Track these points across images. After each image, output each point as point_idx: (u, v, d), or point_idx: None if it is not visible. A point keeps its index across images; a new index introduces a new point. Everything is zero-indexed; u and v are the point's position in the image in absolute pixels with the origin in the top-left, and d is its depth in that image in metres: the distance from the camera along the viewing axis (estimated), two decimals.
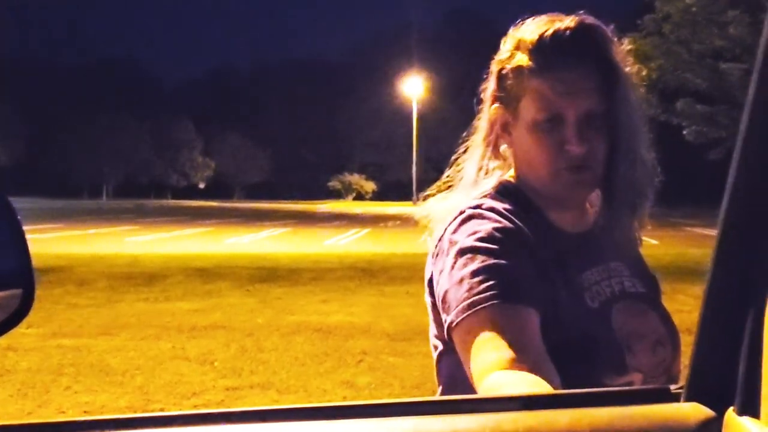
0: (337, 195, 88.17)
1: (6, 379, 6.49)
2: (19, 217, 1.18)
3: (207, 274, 13.63)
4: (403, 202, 66.27)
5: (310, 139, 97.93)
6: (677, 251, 15.51)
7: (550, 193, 1.48)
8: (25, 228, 1.16)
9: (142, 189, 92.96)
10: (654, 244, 17.34)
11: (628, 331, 1.43)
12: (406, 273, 13.33)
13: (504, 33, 1.54)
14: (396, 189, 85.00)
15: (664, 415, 0.82)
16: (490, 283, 1.31)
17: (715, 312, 0.84)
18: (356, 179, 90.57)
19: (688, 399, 0.85)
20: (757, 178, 0.79)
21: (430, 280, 1.47)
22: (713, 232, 0.85)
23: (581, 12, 1.46)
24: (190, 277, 13.32)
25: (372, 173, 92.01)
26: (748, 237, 0.81)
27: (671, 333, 1.49)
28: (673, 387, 0.88)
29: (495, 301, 1.29)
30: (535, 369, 1.20)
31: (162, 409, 5.68)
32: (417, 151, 67.45)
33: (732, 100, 24.04)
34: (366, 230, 29.55)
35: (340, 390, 6.29)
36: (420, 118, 70.21)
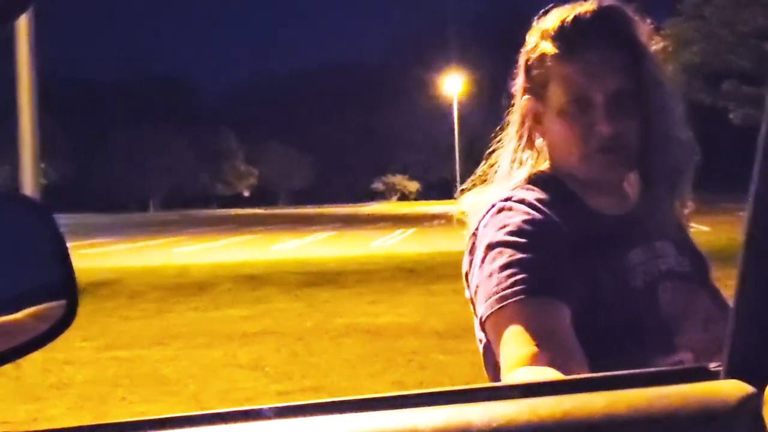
0: (380, 196, 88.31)
1: (63, 392, 6.59)
2: (61, 229, 1.19)
3: (255, 281, 13.73)
4: (447, 201, 66.17)
5: (351, 142, 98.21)
6: (729, 237, 15.23)
7: (585, 177, 1.47)
8: (75, 243, 1.18)
9: (188, 200, 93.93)
10: (705, 231, 17.10)
11: (676, 309, 1.42)
12: (452, 271, 13.11)
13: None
14: (439, 188, 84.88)
15: (703, 393, 0.81)
16: (518, 277, 1.32)
17: (753, 288, 0.82)
18: (399, 180, 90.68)
19: (728, 376, 0.83)
20: None
21: (467, 275, 1.48)
22: None
23: None
24: (238, 284, 13.43)
25: (415, 173, 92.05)
26: None
27: (723, 310, 1.47)
28: (711, 365, 0.87)
29: (522, 296, 1.30)
30: (560, 364, 1.20)
31: None
32: (459, 149, 67.32)
33: None
34: (411, 230, 29.56)
35: (392, 390, 6.26)
36: (461, 115, 70.05)
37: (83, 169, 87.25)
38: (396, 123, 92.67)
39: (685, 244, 1.57)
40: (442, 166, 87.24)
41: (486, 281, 1.36)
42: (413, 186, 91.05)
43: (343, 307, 10.53)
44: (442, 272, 13.58)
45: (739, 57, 24.93)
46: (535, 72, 1.49)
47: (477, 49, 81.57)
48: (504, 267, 1.34)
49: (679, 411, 0.78)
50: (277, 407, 0.82)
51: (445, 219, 37.61)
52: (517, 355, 1.25)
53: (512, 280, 1.32)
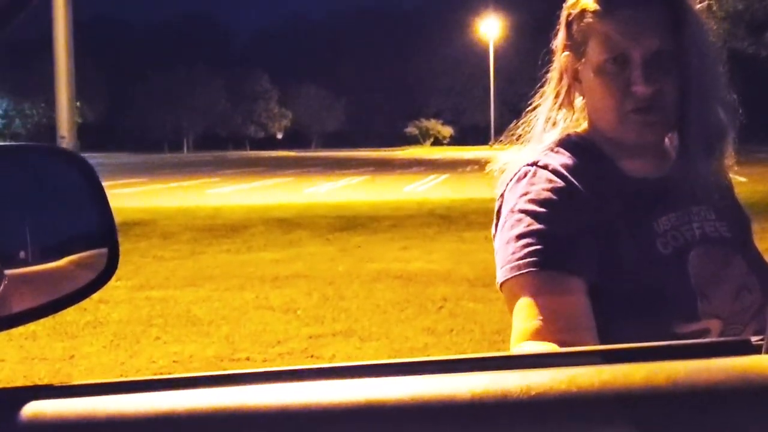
0: (414, 141, 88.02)
1: (99, 330, 6.72)
2: (100, 178, 1.21)
3: (287, 224, 13.80)
4: (480, 147, 65.83)
5: (386, 86, 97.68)
6: (766, 189, 15.08)
7: (620, 139, 1.45)
8: (109, 183, 1.19)
9: (221, 141, 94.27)
10: (742, 182, 16.78)
11: (705, 277, 1.40)
12: (484, 219, 13.12)
13: None
14: (473, 133, 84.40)
15: (744, 368, 0.80)
16: (533, 248, 1.32)
17: None
18: (433, 124, 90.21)
19: None
20: None
21: (494, 236, 1.49)
22: None
23: None
24: (270, 227, 13.52)
25: (449, 118, 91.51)
26: None
27: (762, 278, 1.45)
28: (754, 338, 0.86)
29: (534, 269, 1.31)
30: (565, 340, 1.22)
31: (248, 358, 5.82)
32: (494, 94, 66.77)
33: None
34: (444, 176, 29.51)
35: (422, 336, 6.34)
36: (496, 59, 69.31)
37: (118, 109, 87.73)
38: (431, 67, 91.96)
39: (725, 207, 1.54)
40: (476, 111, 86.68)
41: (504, 248, 1.38)
42: (447, 131, 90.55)
43: (374, 253, 10.58)
44: (474, 219, 13.57)
45: None
46: (575, 28, 1.47)
47: None
48: (520, 236, 1.35)
49: (720, 385, 0.77)
50: (325, 367, 0.83)
51: (479, 165, 37.23)
52: (523, 328, 1.28)
53: (527, 250, 1.33)
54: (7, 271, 1.03)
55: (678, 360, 0.80)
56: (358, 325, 6.73)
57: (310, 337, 6.36)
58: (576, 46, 1.47)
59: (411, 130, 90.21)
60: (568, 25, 1.49)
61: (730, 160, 1.49)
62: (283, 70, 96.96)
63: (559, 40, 1.53)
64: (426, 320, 6.85)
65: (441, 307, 7.29)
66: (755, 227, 1.60)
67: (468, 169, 34.43)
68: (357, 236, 12.26)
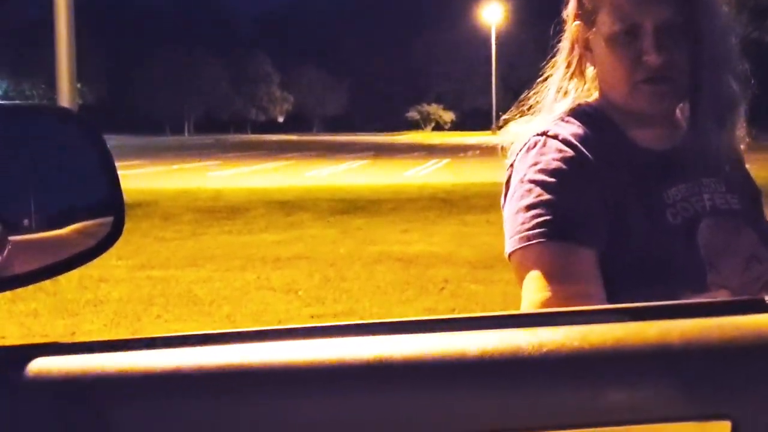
0: (415, 126, 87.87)
1: (100, 308, 6.73)
2: (108, 146, 1.19)
3: (289, 207, 13.80)
4: (482, 132, 65.72)
5: (387, 70, 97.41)
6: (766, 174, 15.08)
7: (631, 109, 1.44)
8: None
9: (222, 124, 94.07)
10: (748, 168, 16.71)
11: (715, 247, 1.40)
12: (485, 202, 13.24)
13: None
14: (474, 118, 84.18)
15: (757, 326, 0.80)
16: (543, 219, 1.32)
17: None
18: (434, 109, 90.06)
19: None
20: None
21: (503, 206, 1.48)
22: None
23: None
24: (272, 209, 13.51)
25: (450, 103, 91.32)
26: None
27: None
28: (767, 298, 0.86)
29: (543, 239, 1.31)
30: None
31: None
32: (496, 78, 66.59)
33: None
34: (445, 160, 29.49)
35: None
36: (498, 44, 69.10)
37: (119, 91, 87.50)
38: (433, 51, 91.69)
39: (736, 179, 1.53)
40: (477, 96, 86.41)
41: (513, 218, 1.37)
42: (448, 116, 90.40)
43: (375, 235, 10.58)
44: (475, 203, 13.57)
45: None
46: None
47: None
48: (530, 207, 1.34)
49: (733, 342, 0.77)
50: (334, 325, 0.82)
51: (480, 150, 37.43)
52: (533, 299, 1.28)
53: (537, 221, 1.32)
54: (11, 238, 1.02)
55: (691, 318, 0.80)
56: (359, 305, 6.74)
57: (312, 317, 6.37)
58: (587, 16, 1.46)
59: (412, 114, 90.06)
60: None
61: (741, 131, 1.48)
62: (285, 53, 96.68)
63: (570, 9, 1.51)
64: (427, 301, 6.86)
65: (442, 289, 7.30)
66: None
67: (469, 153, 34.44)
68: (358, 219, 12.26)
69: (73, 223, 1.14)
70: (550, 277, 1.28)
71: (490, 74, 66.67)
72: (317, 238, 10.49)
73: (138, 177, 20.74)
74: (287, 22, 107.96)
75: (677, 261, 1.37)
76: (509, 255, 1.37)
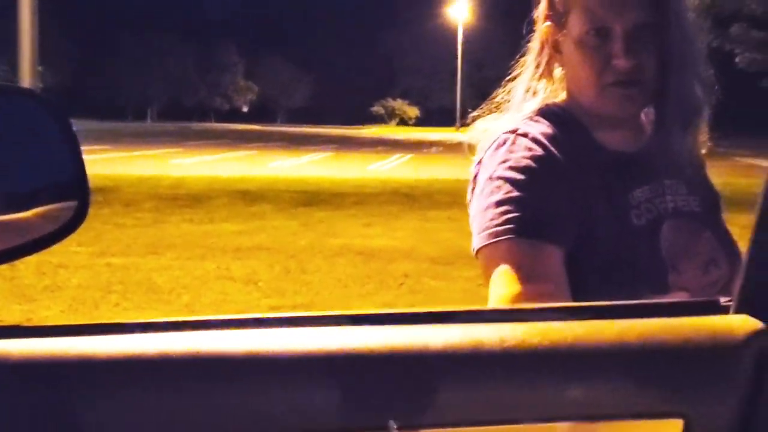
0: (380, 120, 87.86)
1: (58, 294, 6.65)
2: (74, 129, 1.18)
3: (251, 197, 13.74)
4: (446, 128, 65.86)
5: (353, 64, 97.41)
6: (725, 181, 15.19)
7: (600, 111, 1.46)
8: None
9: (186, 112, 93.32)
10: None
11: (677, 249, 1.42)
12: (448, 198, 13.29)
13: None
14: (439, 115, 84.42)
15: (713, 327, 0.82)
16: (511, 215, 1.33)
17: (767, 226, 0.83)
18: (399, 104, 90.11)
19: (738, 311, 0.84)
20: None
21: (469, 203, 1.49)
22: (763, 163, 0.84)
23: None
24: (234, 199, 13.45)
25: (415, 99, 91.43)
26: None
27: (729, 253, 1.47)
28: (722, 299, 0.88)
29: (512, 236, 1.31)
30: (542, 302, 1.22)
31: None
32: (461, 77, 66.77)
33: None
34: (409, 156, 29.52)
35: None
36: (465, 42, 69.29)
37: (82, 75, 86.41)
38: (399, 47, 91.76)
39: (697, 183, 1.56)
40: (443, 93, 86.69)
41: (481, 214, 1.37)
42: (413, 111, 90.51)
43: (337, 228, 10.58)
44: (438, 199, 13.61)
45: (750, 0, 24.59)
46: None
47: None
48: (499, 203, 1.35)
49: (689, 343, 0.79)
50: (294, 316, 0.83)
51: (443, 146, 37.53)
52: (502, 294, 1.28)
53: (505, 217, 1.33)
54: None
55: (649, 318, 0.82)
56: (319, 298, 6.74)
57: (271, 309, 6.36)
58: (557, 17, 1.47)
59: (377, 109, 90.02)
60: None
61: (703, 136, 1.51)
62: (251, 42, 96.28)
63: (540, 10, 1.52)
64: (387, 296, 6.88)
65: (402, 284, 7.32)
66: None
67: (433, 150, 34.52)
68: (320, 211, 12.24)
69: (36, 206, 1.13)
70: (518, 273, 1.29)
71: (456, 71, 66.83)
72: (279, 229, 10.46)
73: (99, 162, 20.53)
74: (254, 12, 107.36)
75: (641, 262, 1.39)
76: (477, 251, 1.37)
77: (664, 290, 1.38)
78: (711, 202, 1.57)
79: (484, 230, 1.35)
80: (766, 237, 0.83)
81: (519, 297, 1.26)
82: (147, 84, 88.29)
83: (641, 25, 1.39)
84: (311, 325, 0.81)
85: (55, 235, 1.14)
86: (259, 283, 7.23)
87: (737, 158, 28.06)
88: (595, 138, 1.48)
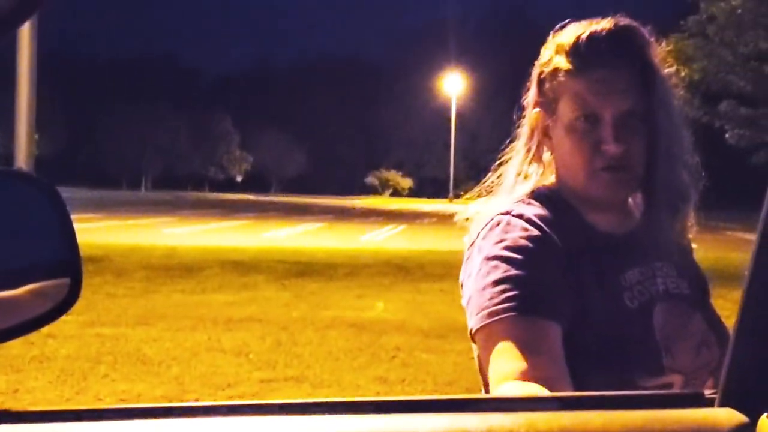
0: (373, 191, 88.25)
1: (46, 365, 6.59)
2: (67, 207, 1.20)
3: (243, 267, 13.72)
4: (439, 200, 66.16)
5: (347, 135, 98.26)
6: (717, 255, 15.31)
7: (589, 195, 1.48)
8: None
9: (180, 181, 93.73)
10: (693, 248, 17.01)
11: (669, 332, 1.43)
12: (441, 270, 13.32)
13: (545, 30, 1.55)
14: (432, 186, 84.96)
15: (697, 420, 0.82)
16: (510, 294, 1.33)
17: (751, 317, 0.83)
18: (393, 175, 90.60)
19: (722, 404, 0.85)
20: None
21: (462, 284, 1.49)
22: (754, 237, 0.85)
23: (620, 14, 1.48)
24: (226, 269, 13.42)
25: (409, 170, 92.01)
26: None
27: (719, 335, 1.48)
28: (707, 392, 0.88)
29: (513, 313, 1.31)
30: (547, 382, 1.22)
31: (197, 400, 5.74)
32: (454, 148, 67.33)
33: None
34: (402, 227, 29.57)
35: (374, 385, 6.31)
36: (458, 115, 70.05)
37: (77, 143, 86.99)
38: (393, 118, 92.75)
39: (686, 266, 1.57)
40: (436, 164, 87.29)
41: (479, 294, 1.37)
42: (406, 182, 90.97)
43: (329, 300, 10.54)
44: (430, 270, 13.60)
45: (739, 78, 24.97)
46: (547, 86, 1.50)
47: (478, 50, 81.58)
48: (497, 282, 1.35)
49: None
50: (278, 403, 0.83)
51: (437, 218, 37.64)
52: (506, 369, 1.26)
53: (504, 296, 1.33)
54: None
55: (634, 410, 0.83)
56: (311, 371, 6.69)
57: (262, 382, 6.30)
58: (547, 104, 1.50)
59: (371, 179, 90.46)
60: (540, 82, 1.52)
61: (691, 221, 1.53)
62: (246, 113, 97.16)
63: (530, 97, 1.56)
64: (378, 369, 6.82)
65: (394, 357, 7.27)
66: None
67: (426, 221, 34.60)
68: (313, 282, 12.21)
69: (28, 283, 1.14)
70: (521, 349, 1.28)
71: (449, 143, 67.41)
72: (271, 300, 10.42)
73: (91, 231, 20.51)
74: (250, 83, 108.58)
75: (635, 345, 1.39)
76: (475, 331, 1.36)
77: (660, 373, 1.39)
78: (700, 285, 1.59)
79: (482, 310, 1.35)
80: (750, 330, 0.84)
81: (522, 374, 1.24)
82: (141, 153, 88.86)
83: (630, 112, 1.42)
84: (303, 413, 0.81)
85: (49, 315, 1.15)
86: (250, 356, 7.17)
87: (728, 232, 28.19)
88: (586, 220, 1.50)
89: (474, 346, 1.49)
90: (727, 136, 25.20)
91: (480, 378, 1.53)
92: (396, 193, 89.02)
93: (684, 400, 0.87)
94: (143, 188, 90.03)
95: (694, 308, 1.51)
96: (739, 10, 23.63)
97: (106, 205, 38.74)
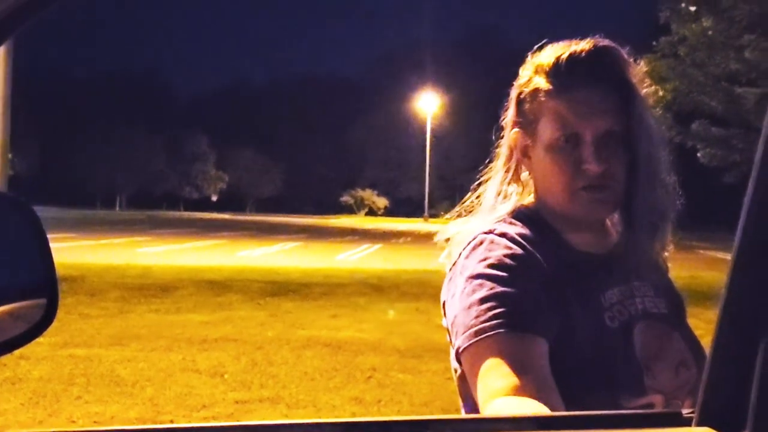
0: (349, 210, 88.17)
1: (18, 387, 6.52)
2: (44, 228, 1.20)
3: (218, 287, 13.65)
4: (414, 219, 66.19)
5: (323, 154, 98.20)
6: (690, 274, 15.43)
7: (569, 214, 1.49)
8: None
9: (155, 200, 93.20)
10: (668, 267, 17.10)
11: (649, 351, 1.44)
12: (416, 290, 13.33)
13: (517, 51, 1.57)
14: (407, 205, 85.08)
15: None
16: (497, 311, 1.33)
17: (727, 336, 0.84)
18: (368, 195, 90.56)
19: (700, 423, 0.85)
20: None
21: (444, 304, 1.49)
22: (727, 256, 0.86)
23: (597, 35, 1.49)
24: (201, 289, 13.35)
25: (384, 189, 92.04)
26: (762, 261, 0.82)
27: (696, 354, 1.49)
28: (685, 411, 0.89)
29: (501, 330, 1.31)
30: (538, 396, 1.21)
31: (172, 421, 5.70)
32: (429, 168, 67.48)
33: (747, 123, 23.96)
34: (377, 246, 29.54)
35: (349, 406, 6.29)
36: (433, 135, 70.26)
37: (51, 162, 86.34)
38: (368, 138, 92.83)
39: (663, 285, 1.59)
40: (411, 184, 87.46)
41: (464, 313, 1.36)
42: (382, 202, 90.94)
43: (305, 319, 10.51)
44: (406, 290, 13.60)
45: (710, 98, 25.24)
46: (526, 106, 1.51)
47: (452, 71, 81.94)
48: (483, 300, 1.35)
49: None
50: (253, 425, 0.83)
51: (412, 237, 37.65)
52: (498, 386, 1.26)
53: (491, 313, 1.33)
54: None
55: (613, 430, 0.83)
56: (286, 392, 6.66)
57: (237, 402, 6.27)
58: (527, 124, 1.51)
59: (346, 199, 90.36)
60: (519, 102, 1.53)
61: (668, 240, 1.54)
62: (222, 132, 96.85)
63: (509, 117, 1.57)
64: (354, 390, 6.80)
65: (370, 377, 7.25)
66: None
67: (401, 240, 34.60)
68: (288, 302, 12.17)
69: (4, 303, 1.13)
70: (510, 366, 1.27)
71: (424, 163, 67.56)
72: (246, 320, 10.37)
73: (65, 250, 20.33)
74: (226, 103, 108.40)
75: (617, 364, 1.40)
76: (463, 350, 1.35)
77: (642, 393, 1.39)
78: (677, 304, 1.60)
79: (469, 328, 1.34)
80: (726, 349, 0.85)
81: (514, 389, 1.24)
82: (116, 172, 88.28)
83: (610, 132, 1.43)
84: None
85: (24, 336, 1.15)
86: (225, 376, 7.13)
87: (701, 251, 28.42)
88: (565, 239, 1.51)
89: (455, 366, 1.49)
90: (699, 155, 25.44)
91: (459, 398, 1.53)
92: (371, 212, 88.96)
93: (662, 420, 0.87)
94: (118, 207, 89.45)
95: (673, 327, 1.52)
96: (710, 32, 23.92)
97: (80, 224, 38.42)
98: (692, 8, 23.92)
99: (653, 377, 1.41)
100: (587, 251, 1.52)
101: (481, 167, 1.64)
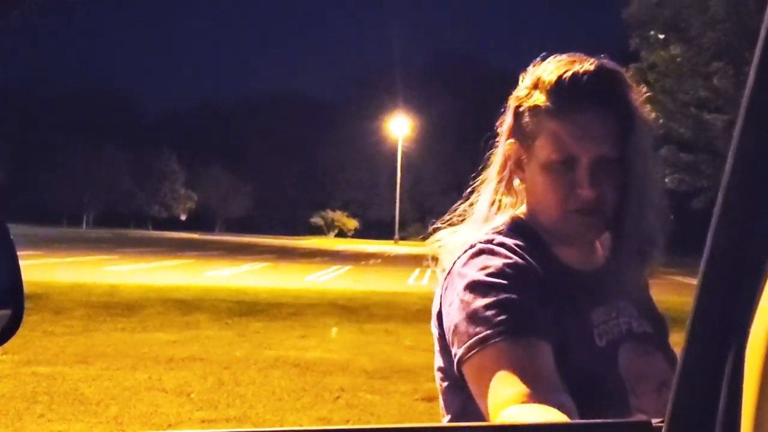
0: (319, 231, 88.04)
1: None
2: (11, 237, 1.18)
3: (186, 306, 13.55)
4: (384, 241, 66.23)
5: (293, 175, 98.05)
6: (657, 299, 15.52)
7: (559, 232, 1.49)
8: None
9: (123, 219, 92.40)
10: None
11: (633, 372, 1.44)
12: (385, 311, 13.30)
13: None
14: (378, 227, 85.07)
15: None
16: (501, 318, 1.31)
17: (696, 348, 0.85)
18: (338, 216, 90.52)
19: None
20: (739, 226, 0.80)
21: (439, 313, 1.47)
22: (694, 281, 0.87)
23: (602, 55, 1.49)
24: (168, 308, 13.24)
25: (354, 211, 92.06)
26: (729, 278, 0.82)
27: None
28: (654, 421, 0.90)
29: (505, 337, 1.29)
30: (548, 400, 1.20)
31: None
32: (400, 190, 67.66)
33: (714, 149, 24.33)
34: (347, 267, 29.50)
35: (317, 426, 6.25)
36: (404, 157, 70.53)
37: (17, 179, 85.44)
38: (339, 160, 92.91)
39: (646, 306, 1.59)
40: (382, 205, 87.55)
41: (467, 321, 1.35)
42: (352, 223, 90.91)
43: (273, 339, 10.45)
44: (375, 311, 13.55)
45: (679, 125, 25.59)
46: (525, 120, 1.50)
47: (423, 93, 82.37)
48: (486, 307, 1.33)
49: None
50: None
51: (381, 258, 37.65)
52: (507, 394, 1.23)
53: (496, 320, 1.31)
54: None
55: None
56: (253, 411, 6.60)
57: (203, 422, 6.20)
58: (524, 137, 1.50)
59: (316, 220, 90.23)
60: (517, 115, 1.52)
61: (655, 268, 1.55)
62: (191, 151, 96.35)
63: (506, 125, 1.55)
64: (322, 410, 6.77)
65: (338, 398, 7.22)
66: None
67: (371, 262, 34.59)
68: (256, 322, 12.11)
69: None
70: (520, 371, 1.25)
71: (395, 185, 67.72)
72: (213, 339, 10.30)
73: (30, 268, 20.08)
74: (196, 121, 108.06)
75: (605, 383, 1.40)
76: (465, 359, 1.33)
77: (627, 413, 1.38)
78: (659, 325, 1.60)
79: (472, 337, 1.32)
80: (694, 359, 0.85)
81: (527, 394, 1.22)
82: (83, 190, 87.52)
83: (606, 158, 1.42)
84: None
85: None
86: (192, 395, 7.06)
87: (669, 276, 28.67)
88: (554, 253, 1.51)
89: (441, 378, 1.48)
90: (667, 180, 25.75)
91: (442, 410, 1.51)
92: (341, 233, 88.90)
93: (632, 430, 0.88)
94: (84, 225, 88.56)
95: (656, 348, 1.52)
96: (679, 59, 24.29)
97: (46, 242, 37.99)
98: (661, 36, 24.27)
99: (637, 398, 1.41)
100: (576, 268, 1.52)
101: (474, 174, 1.62)
